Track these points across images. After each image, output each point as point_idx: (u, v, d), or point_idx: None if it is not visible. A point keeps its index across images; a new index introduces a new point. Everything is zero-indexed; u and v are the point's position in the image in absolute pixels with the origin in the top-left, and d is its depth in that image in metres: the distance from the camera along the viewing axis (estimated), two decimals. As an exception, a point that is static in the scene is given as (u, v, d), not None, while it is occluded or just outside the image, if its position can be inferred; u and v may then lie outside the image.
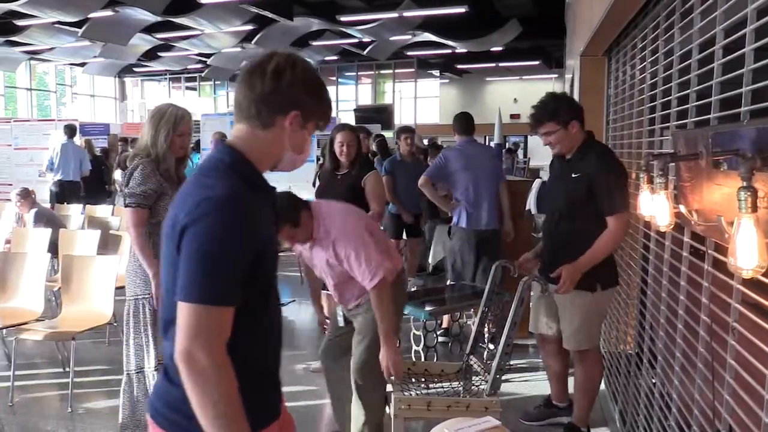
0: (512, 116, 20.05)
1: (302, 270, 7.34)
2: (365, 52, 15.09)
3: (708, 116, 2.03)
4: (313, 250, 2.82)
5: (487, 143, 20.67)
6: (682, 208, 1.85)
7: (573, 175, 2.97)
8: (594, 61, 4.20)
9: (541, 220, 4.38)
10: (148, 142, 3.04)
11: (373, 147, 7.46)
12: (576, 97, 4.21)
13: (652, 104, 2.97)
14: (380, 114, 16.52)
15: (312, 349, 5.03)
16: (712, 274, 1.96)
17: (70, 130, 9.16)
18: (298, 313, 6.26)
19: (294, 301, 6.47)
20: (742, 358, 1.70)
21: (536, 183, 4.39)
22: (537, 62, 18.83)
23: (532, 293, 3.28)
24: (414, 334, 4.33)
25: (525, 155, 20.14)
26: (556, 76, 20.49)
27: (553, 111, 2.92)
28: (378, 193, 3.94)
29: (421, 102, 21.71)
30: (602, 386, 3.57)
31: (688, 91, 2.29)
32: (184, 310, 1.26)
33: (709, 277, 1.98)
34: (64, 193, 8.80)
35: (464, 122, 5.01)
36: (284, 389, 4.43)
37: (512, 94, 22.42)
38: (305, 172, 8.47)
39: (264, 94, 1.37)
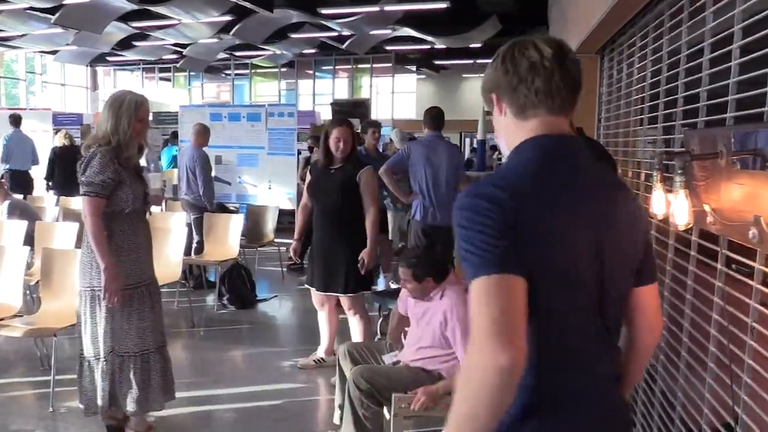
0: (488, 113, 20.11)
1: (283, 265, 7.31)
2: (344, 46, 14.97)
3: (722, 116, 2.02)
4: (428, 307, 2.93)
5: (462, 139, 20.79)
6: (707, 207, 1.83)
7: None
8: (586, 59, 4.19)
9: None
10: (108, 130, 2.95)
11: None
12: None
13: (653, 102, 2.96)
14: (357, 108, 16.39)
15: (296, 345, 4.96)
16: (726, 273, 1.96)
17: (15, 120, 8.88)
18: (279, 309, 6.18)
19: (276, 296, 6.38)
20: (761, 358, 1.70)
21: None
22: (514, 60, 18.87)
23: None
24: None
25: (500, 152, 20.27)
26: (532, 74, 20.61)
27: None
28: (372, 190, 3.89)
29: (398, 97, 21.64)
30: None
31: (699, 89, 2.28)
32: (656, 290, 1.41)
33: (722, 277, 1.97)
34: (22, 184, 8.54)
35: (434, 117, 5.04)
36: (272, 387, 4.33)
37: (488, 91, 22.49)
38: (286, 166, 8.41)
39: (577, 84, 1.30)
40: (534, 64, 1.26)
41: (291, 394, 3.95)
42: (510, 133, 1.33)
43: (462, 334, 2.72)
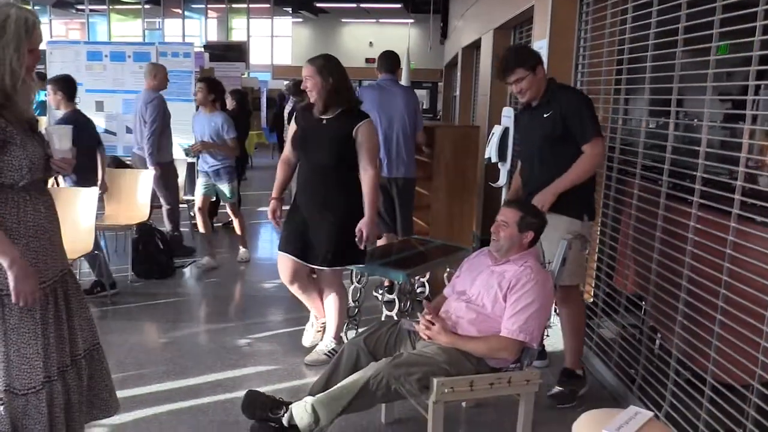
0: (368, 60, 19.63)
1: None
2: (223, -17, 13.73)
3: None
4: (486, 270, 2.61)
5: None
6: None
7: (545, 115, 3.04)
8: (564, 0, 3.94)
9: (504, 169, 4.15)
10: None
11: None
12: (546, 39, 3.94)
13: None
14: (232, 52, 15.29)
15: (244, 318, 4.40)
16: None
17: None
18: (204, 275, 5.46)
19: (195, 261, 5.70)
20: None
21: (497, 129, 4.09)
22: (398, 5, 18.53)
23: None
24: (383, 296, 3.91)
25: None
26: (412, 21, 20.39)
27: (521, 58, 3.03)
28: (372, 148, 3.27)
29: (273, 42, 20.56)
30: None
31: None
32: None
33: None
34: None
35: (388, 57, 4.68)
36: (236, 372, 3.61)
37: (368, 38, 22.04)
38: (183, 114, 7.48)
39: None
40: None
41: (265, 378, 3.43)
42: None
43: (522, 310, 2.45)
